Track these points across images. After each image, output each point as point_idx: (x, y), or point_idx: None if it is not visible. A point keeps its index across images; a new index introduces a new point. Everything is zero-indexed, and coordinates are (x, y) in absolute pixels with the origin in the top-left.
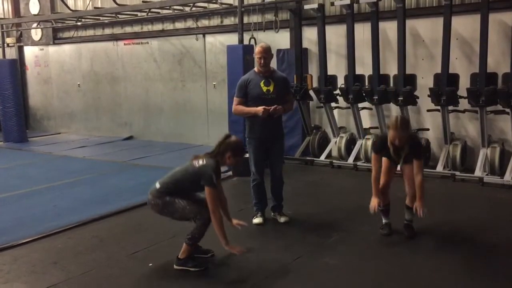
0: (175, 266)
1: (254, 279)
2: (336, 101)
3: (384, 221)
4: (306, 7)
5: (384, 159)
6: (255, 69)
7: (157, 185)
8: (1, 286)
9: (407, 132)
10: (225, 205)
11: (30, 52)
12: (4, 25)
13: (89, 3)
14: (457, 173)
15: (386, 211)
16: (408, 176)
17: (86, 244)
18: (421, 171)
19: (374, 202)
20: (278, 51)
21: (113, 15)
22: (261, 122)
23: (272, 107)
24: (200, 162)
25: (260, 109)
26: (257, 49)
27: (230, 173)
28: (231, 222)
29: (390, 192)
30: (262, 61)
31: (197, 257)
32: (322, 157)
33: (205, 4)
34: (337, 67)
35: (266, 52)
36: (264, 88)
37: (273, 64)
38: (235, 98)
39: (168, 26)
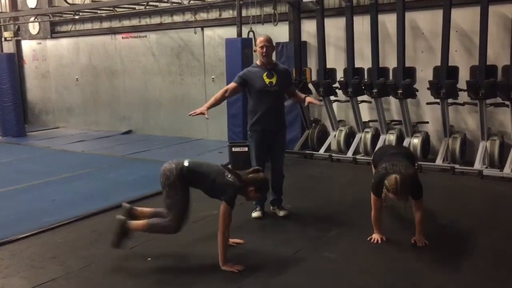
0: (118, 217)
1: (253, 273)
2: (335, 95)
3: None
4: None
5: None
6: (258, 61)
7: (186, 163)
8: None
9: (408, 192)
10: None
11: (27, 46)
12: (1, 19)
13: None
14: (457, 166)
15: None
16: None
17: (85, 239)
18: (421, 208)
19: (376, 236)
20: (277, 44)
21: (111, 8)
22: (264, 113)
23: (310, 101)
24: (231, 178)
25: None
26: (258, 39)
27: (230, 167)
28: (228, 240)
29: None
30: (264, 50)
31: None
32: (321, 151)
33: None
34: (336, 60)
35: (268, 41)
36: (267, 80)
37: (273, 57)
38: (231, 83)
39: (166, 19)
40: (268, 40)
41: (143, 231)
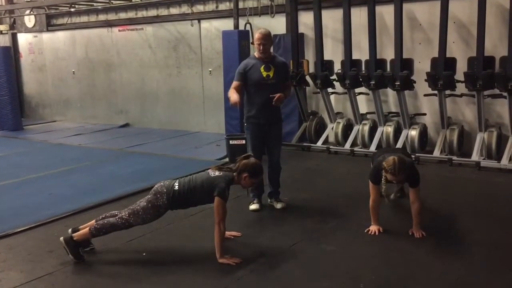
0: (61, 239)
1: (251, 265)
2: (333, 87)
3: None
4: None
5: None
6: (255, 54)
7: (176, 186)
8: None
9: (406, 173)
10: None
11: (23, 39)
12: None
13: None
14: (454, 157)
15: None
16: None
17: None
18: (418, 198)
19: (374, 228)
20: (274, 36)
21: (107, 1)
22: (260, 106)
23: (275, 97)
24: (216, 173)
25: (234, 99)
26: (256, 35)
27: (227, 159)
28: (224, 234)
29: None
30: (261, 48)
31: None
32: (319, 143)
33: None
34: (333, 52)
35: (265, 38)
36: (264, 73)
37: (271, 49)
38: (233, 82)
39: (163, 11)
40: (265, 38)
41: (90, 233)
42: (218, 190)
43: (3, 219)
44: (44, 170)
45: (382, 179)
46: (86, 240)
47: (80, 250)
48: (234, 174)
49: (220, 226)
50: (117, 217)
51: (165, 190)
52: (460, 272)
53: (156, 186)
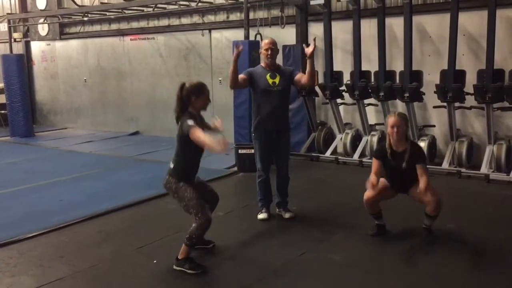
0: (174, 267)
1: (259, 275)
2: (342, 97)
3: (375, 222)
4: (312, 2)
5: (383, 180)
6: (262, 63)
7: (171, 164)
8: (8, 280)
9: (405, 123)
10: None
11: (37, 47)
12: (11, 20)
13: None
14: (463, 170)
15: (377, 217)
16: (417, 194)
17: (92, 239)
18: (426, 173)
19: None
20: (284, 47)
21: (120, 10)
22: (267, 113)
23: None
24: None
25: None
26: (263, 42)
27: (236, 168)
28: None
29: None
30: (269, 52)
31: (195, 260)
32: (328, 153)
33: (211, 0)
34: (343, 63)
35: (273, 44)
36: (270, 81)
37: (279, 60)
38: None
39: (174, 21)
40: (273, 43)
41: (185, 246)
42: (185, 127)
43: (14, 225)
44: (55, 176)
45: (386, 144)
46: (189, 251)
47: (195, 261)
48: (188, 108)
49: (207, 144)
50: (196, 219)
51: (167, 177)
52: (468, 284)
53: (163, 185)
